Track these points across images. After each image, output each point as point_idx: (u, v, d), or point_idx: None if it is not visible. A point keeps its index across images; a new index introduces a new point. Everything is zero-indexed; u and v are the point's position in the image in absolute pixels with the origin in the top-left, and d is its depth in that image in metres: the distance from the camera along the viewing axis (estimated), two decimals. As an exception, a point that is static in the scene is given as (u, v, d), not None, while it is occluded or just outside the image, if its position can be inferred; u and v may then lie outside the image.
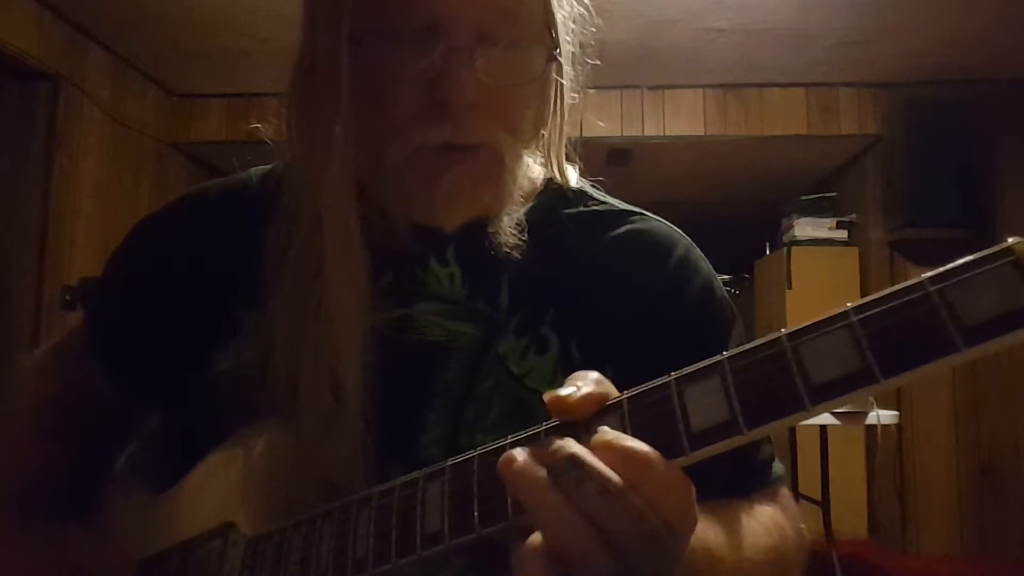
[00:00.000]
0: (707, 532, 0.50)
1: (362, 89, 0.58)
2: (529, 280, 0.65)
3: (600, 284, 0.65)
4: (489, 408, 0.62)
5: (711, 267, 0.69)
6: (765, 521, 0.59)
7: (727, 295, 0.69)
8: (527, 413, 0.61)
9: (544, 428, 0.45)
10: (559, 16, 0.62)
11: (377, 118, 0.59)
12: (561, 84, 0.65)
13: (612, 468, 0.38)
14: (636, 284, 0.66)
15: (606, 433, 0.40)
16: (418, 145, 0.58)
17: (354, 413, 0.57)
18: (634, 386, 0.43)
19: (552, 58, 0.62)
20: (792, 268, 4.14)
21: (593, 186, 0.73)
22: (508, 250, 0.64)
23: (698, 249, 0.70)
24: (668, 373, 0.42)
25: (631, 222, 0.69)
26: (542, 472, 0.39)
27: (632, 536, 0.38)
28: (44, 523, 0.66)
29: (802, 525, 0.64)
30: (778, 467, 0.68)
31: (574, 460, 0.39)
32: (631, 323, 0.64)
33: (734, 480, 0.59)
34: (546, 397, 0.43)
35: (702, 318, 0.66)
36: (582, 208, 0.70)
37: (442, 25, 0.56)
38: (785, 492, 0.67)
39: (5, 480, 0.71)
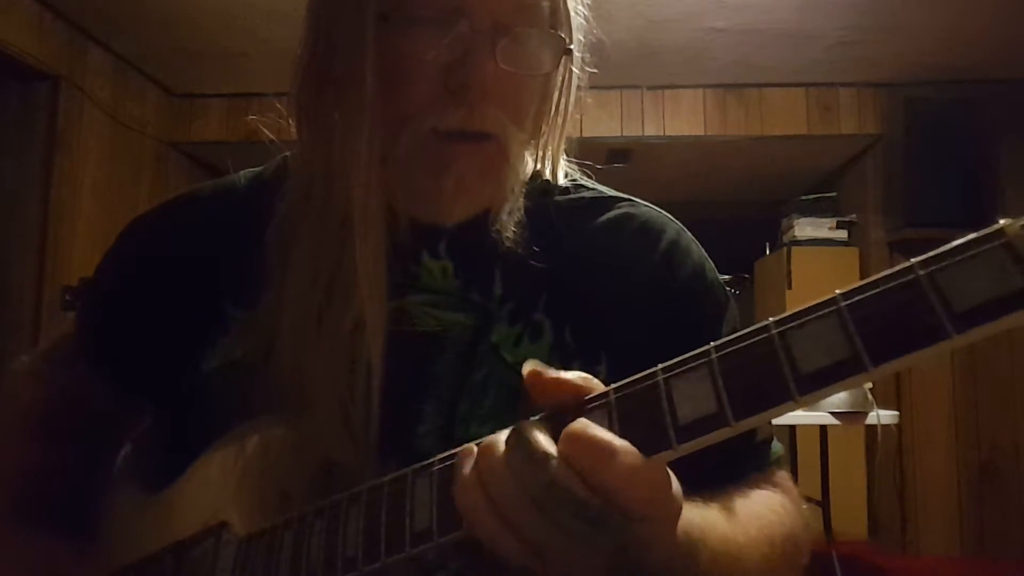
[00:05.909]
0: (706, 518, 0.49)
1: (382, 70, 0.58)
2: (521, 268, 0.64)
3: (591, 270, 0.65)
4: (483, 398, 0.62)
5: (703, 251, 0.69)
6: (774, 507, 0.58)
7: (719, 278, 0.68)
8: None
9: (531, 419, 0.45)
10: (572, 12, 0.63)
11: (393, 103, 0.59)
12: (567, 81, 0.66)
13: (571, 455, 0.39)
14: (627, 269, 0.66)
15: (576, 424, 0.40)
16: (431, 129, 0.59)
17: (374, 392, 0.57)
18: (628, 373, 0.43)
19: (565, 52, 0.63)
20: (792, 268, 4.13)
21: (584, 174, 0.73)
22: (503, 242, 0.63)
23: (689, 234, 0.70)
24: (661, 359, 0.41)
25: (620, 208, 0.69)
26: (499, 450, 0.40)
27: (574, 520, 0.38)
28: (34, 530, 0.66)
29: (804, 506, 0.63)
30: (776, 447, 0.67)
31: (517, 434, 0.40)
32: (623, 308, 0.64)
33: (730, 462, 0.58)
34: (526, 366, 0.43)
35: (694, 302, 0.66)
36: (572, 195, 0.70)
37: (464, 11, 0.57)
38: (784, 475, 0.66)
39: None
